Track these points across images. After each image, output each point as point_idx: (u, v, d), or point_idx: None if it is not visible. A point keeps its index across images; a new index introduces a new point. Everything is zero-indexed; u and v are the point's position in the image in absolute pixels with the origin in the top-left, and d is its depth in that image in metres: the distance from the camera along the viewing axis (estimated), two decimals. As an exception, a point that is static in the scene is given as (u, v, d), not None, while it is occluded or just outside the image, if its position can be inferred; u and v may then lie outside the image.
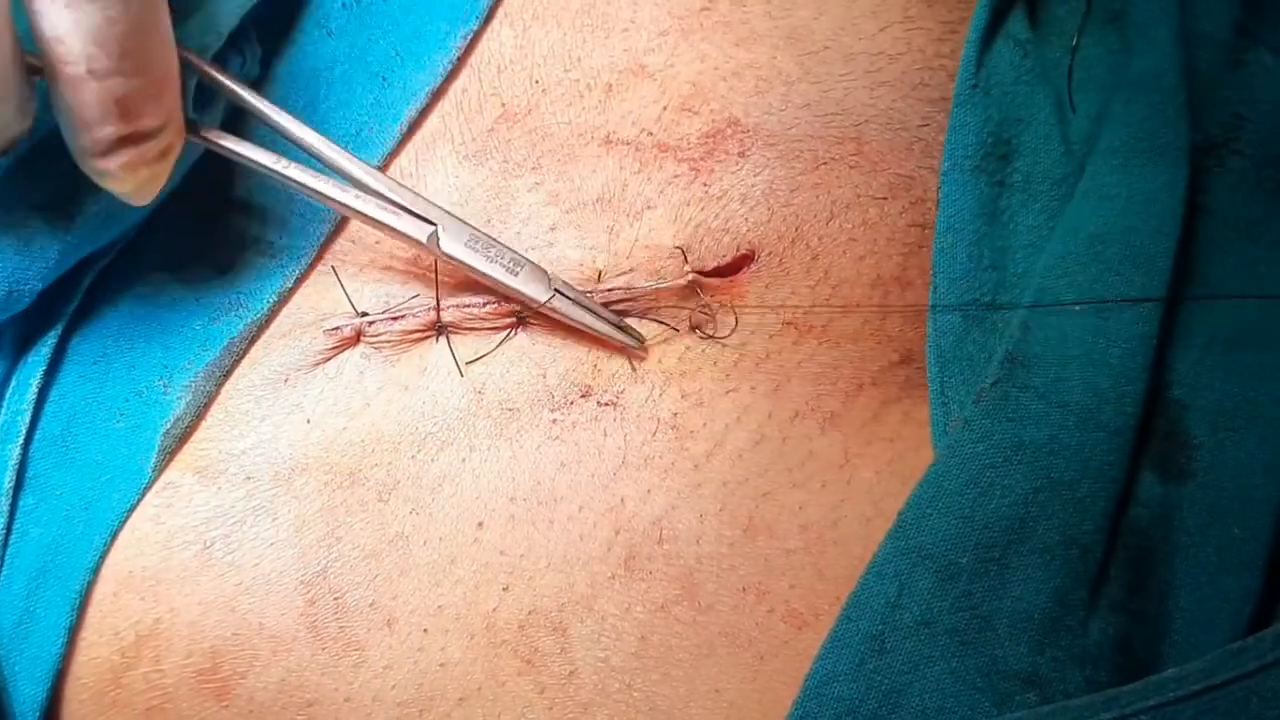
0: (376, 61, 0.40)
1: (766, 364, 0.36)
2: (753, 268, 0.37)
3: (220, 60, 0.38)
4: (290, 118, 0.37)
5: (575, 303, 0.36)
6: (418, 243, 0.36)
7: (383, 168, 0.39)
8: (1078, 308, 0.34)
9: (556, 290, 0.36)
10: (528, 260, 0.36)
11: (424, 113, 0.40)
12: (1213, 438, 0.33)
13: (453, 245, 0.36)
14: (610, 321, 0.36)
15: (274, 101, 0.37)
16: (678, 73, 0.39)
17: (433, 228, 0.36)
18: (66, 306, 0.38)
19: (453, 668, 0.34)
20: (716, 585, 0.34)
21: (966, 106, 0.37)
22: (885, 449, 0.35)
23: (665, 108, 0.39)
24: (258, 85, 0.41)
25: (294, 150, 0.37)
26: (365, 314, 0.38)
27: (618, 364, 0.36)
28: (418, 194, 0.37)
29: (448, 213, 0.37)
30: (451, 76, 0.40)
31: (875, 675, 0.31)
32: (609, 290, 0.37)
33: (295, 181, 0.36)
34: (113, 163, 0.32)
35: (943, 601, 0.31)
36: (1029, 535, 0.32)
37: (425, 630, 0.34)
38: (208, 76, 0.37)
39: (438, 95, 0.40)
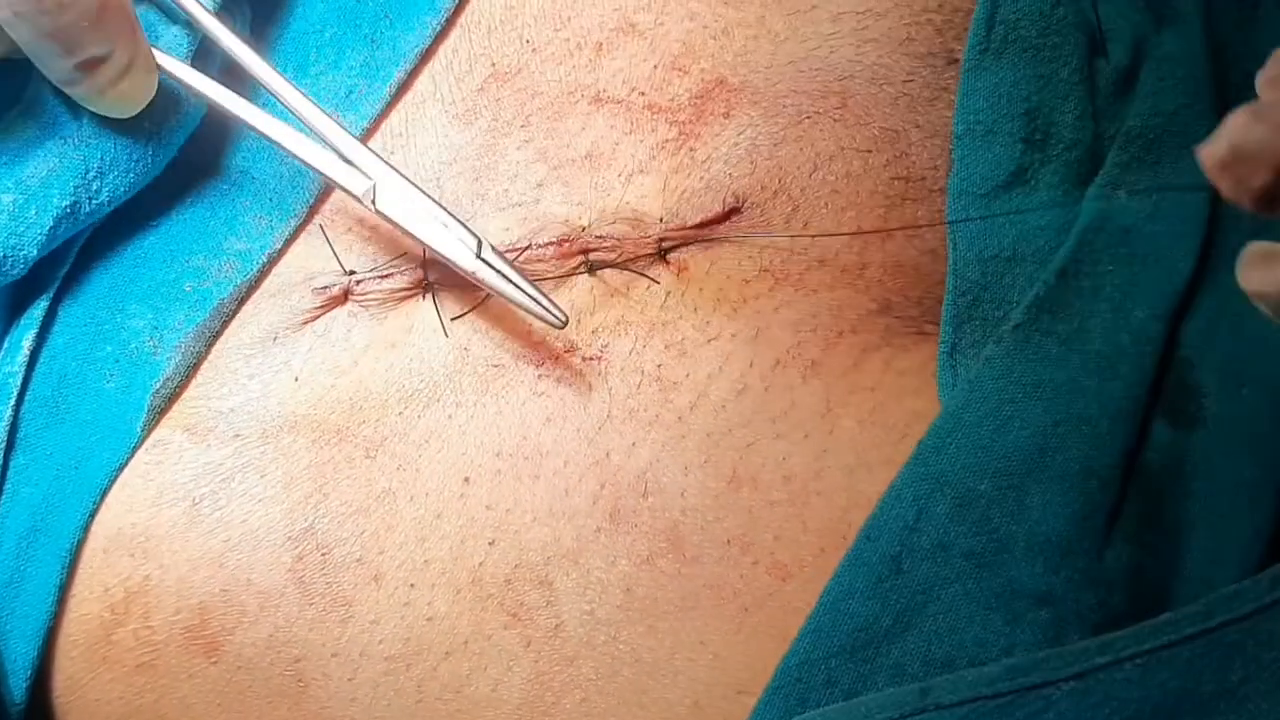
0: (366, 23, 0.41)
1: (745, 309, 0.36)
2: (734, 219, 0.37)
3: None
4: (251, 53, 0.37)
5: (501, 274, 0.35)
6: (354, 196, 0.36)
7: (372, 129, 0.40)
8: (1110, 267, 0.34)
9: (483, 259, 0.35)
10: (462, 224, 0.36)
11: (414, 74, 0.40)
12: (1221, 390, 0.33)
13: (388, 203, 0.36)
14: (534, 296, 0.35)
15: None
16: (667, 31, 0.39)
17: (371, 183, 0.36)
18: (57, 270, 0.39)
19: (439, 622, 0.34)
20: (701, 537, 0.34)
21: (976, 71, 0.37)
22: (867, 398, 0.35)
23: (655, 66, 0.38)
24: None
25: (256, 87, 0.38)
26: (353, 273, 0.38)
27: (601, 317, 0.36)
28: (369, 149, 0.37)
29: (392, 168, 0.36)
30: (441, 37, 0.40)
31: (891, 594, 0.31)
32: (587, 240, 0.37)
33: (244, 120, 0.37)
34: (78, 90, 0.35)
35: (960, 526, 0.31)
36: (1048, 464, 0.32)
37: (412, 585, 0.34)
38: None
39: (427, 56, 0.40)
